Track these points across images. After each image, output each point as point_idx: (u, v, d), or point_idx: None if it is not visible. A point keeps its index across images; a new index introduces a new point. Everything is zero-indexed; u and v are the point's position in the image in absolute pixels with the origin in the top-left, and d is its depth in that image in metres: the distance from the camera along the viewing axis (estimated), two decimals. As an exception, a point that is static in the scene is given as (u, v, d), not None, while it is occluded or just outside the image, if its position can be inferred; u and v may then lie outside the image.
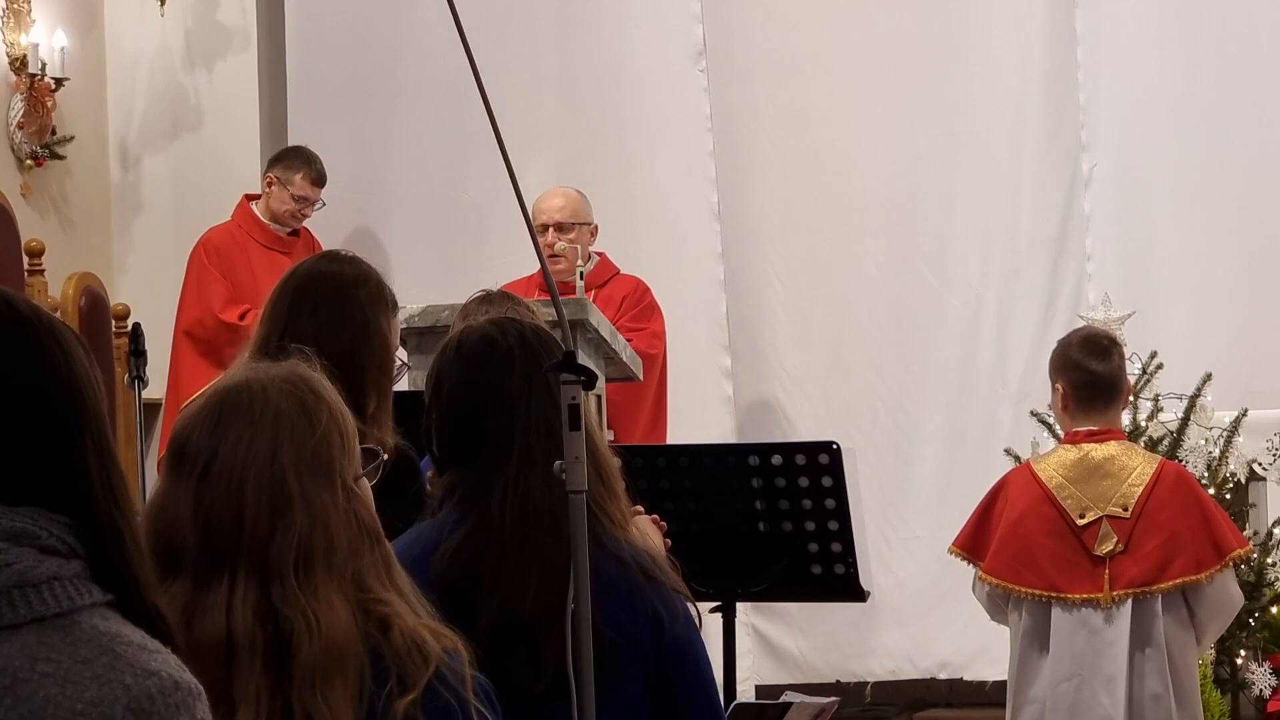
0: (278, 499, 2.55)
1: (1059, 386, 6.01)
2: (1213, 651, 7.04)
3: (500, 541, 3.30)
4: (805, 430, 8.77)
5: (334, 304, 3.97)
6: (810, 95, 9.04)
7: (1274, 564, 7.33)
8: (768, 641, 8.96)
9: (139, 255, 9.56)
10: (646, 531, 4.03)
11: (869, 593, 5.32)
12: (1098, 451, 5.93)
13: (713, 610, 5.24)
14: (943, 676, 8.83)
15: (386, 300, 4.08)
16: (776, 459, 5.21)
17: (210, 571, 2.55)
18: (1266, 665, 7.30)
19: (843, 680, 8.86)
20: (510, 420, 3.35)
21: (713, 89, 9.02)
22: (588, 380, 2.83)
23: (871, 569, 8.77)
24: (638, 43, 9.08)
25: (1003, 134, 8.89)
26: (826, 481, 5.19)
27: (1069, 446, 6.00)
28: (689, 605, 3.43)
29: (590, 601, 3.14)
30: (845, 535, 5.23)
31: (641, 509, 4.52)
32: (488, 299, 4.96)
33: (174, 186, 9.53)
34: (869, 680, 8.89)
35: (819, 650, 8.90)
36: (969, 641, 8.44)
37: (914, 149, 8.94)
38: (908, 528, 8.84)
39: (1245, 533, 6.79)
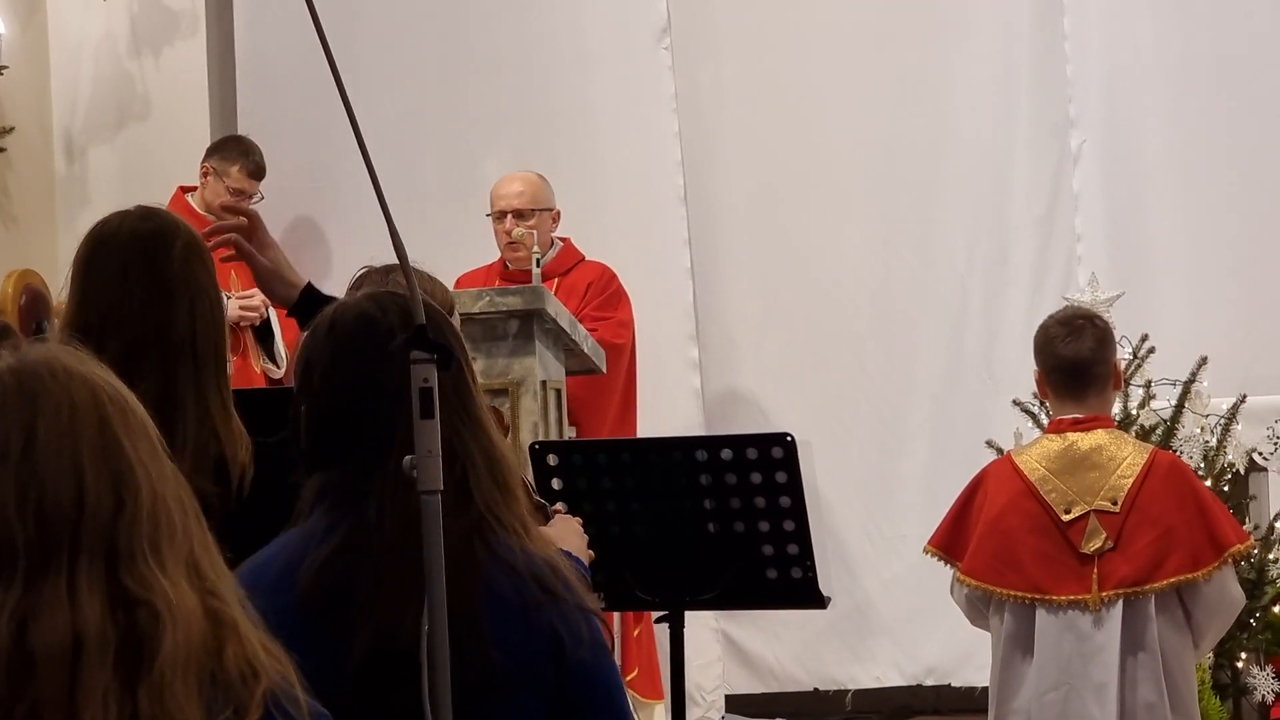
0: (119, 468, 2.20)
1: (1036, 371, 5.77)
2: (1211, 655, 6.79)
3: (376, 556, 2.88)
4: (783, 424, 8.45)
5: (146, 272, 3.49)
6: (782, 73, 8.84)
7: (1276, 560, 7.14)
8: (739, 648, 8.76)
9: (85, 251, 9.24)
10: (565, 535, 3.59)
11: (829, 599, 4.93)
12: (1084, 441, 5.65)
13: (659, 620, 4.85)
14: (929, 683, 8.66)
15: (203, 252, 3.59)
16: (726, 453, 4.83)
17: (44, 565, 2.17)
18: (1269, 669, 7.09)
19: (821, 688, 8.70)
20: (390, 413, 2.89)
21: (678, 68, 8.81)
22: (442, 358, 2.39)
23: (855, 570, 8.68)
24: (599, 20, 8.88)
25: (986, 110, 8.72)
26: (781, 477, 4.83)
27: (1053, 436, 5.73)
28: (598, 624, 3.00)
29: (476, 622, 2.80)
30: (802, 536, 4.87)
31: (562, 507, 4.12)
32: (366, 275, 4.53)
33: (122, 178, 9.30)
34: (850, 688, 8.73)
35: (795, 657, 8.71)
36: (957, 646, 8.23)
37: (893, 128, 8.76)
38: (893, 526, 8.66)
39: (1245, 527, 6.54)
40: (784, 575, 4.89)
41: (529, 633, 2.89)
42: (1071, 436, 5.63)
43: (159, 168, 9.09)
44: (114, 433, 2.20)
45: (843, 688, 8.70)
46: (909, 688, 8.67)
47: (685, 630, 8.17)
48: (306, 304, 3.63)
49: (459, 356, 2.78)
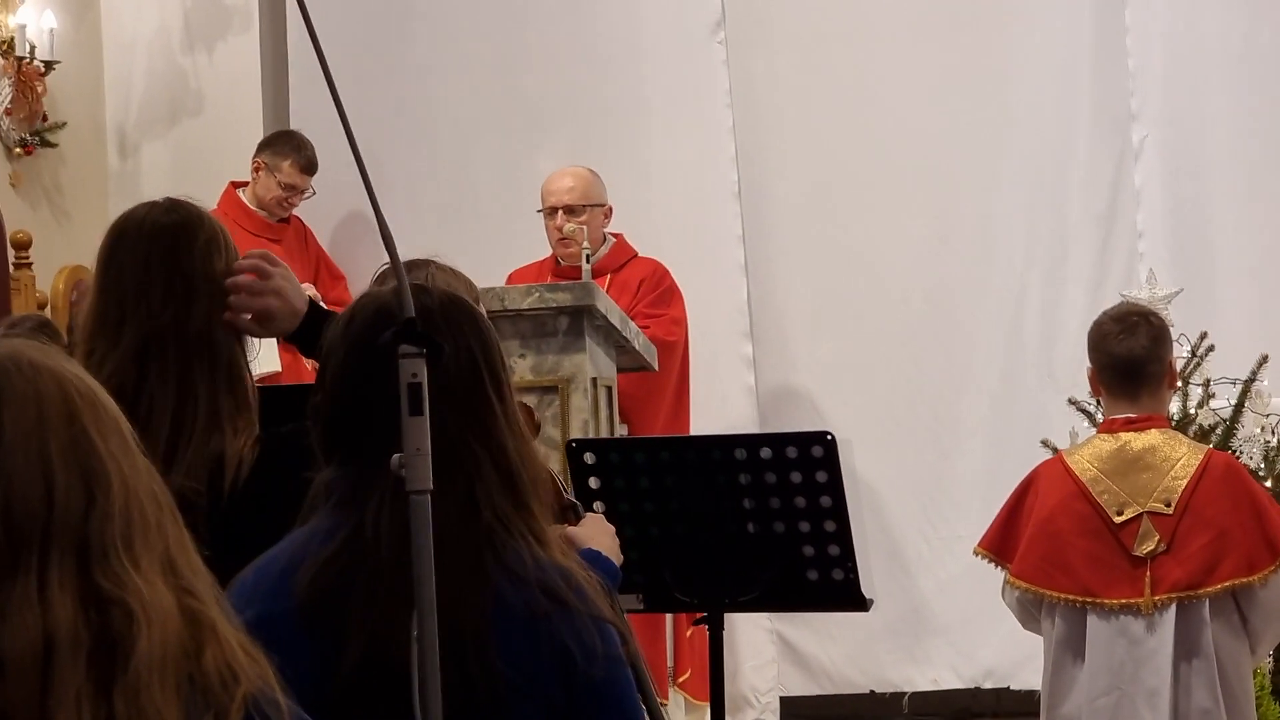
0: (90, 463, 2.12)
1: (1090, 368, 5.66)
2: (1270, 659, 6.72)
3: (373, 564, 2.76)
4: (837, 422, 8.43)
5: (167, 265, 3.42)
6: (838, 66, 8.75)
7: (1336, 563, 6.87)
8: (794, 649, 8.68)
9: (138, 247, 9.22)
10: (595, 535, 3.48)
11: (871, 601, 4.80)
12: (1137, 441, 5.54)
13: (697, 623, 4.74)
14: (988, 686, 8.56)
15: (227, 247, 3.51)
16: (765, 452, 4.70)
17: (13, 564, 2.09)
18: (1330, 674, 6.98)
19: (877, 690, 8.61)
20: (398, 413, 2.80)
21: (732, 61, 8.71)
22: (432, 352, 2.29)
23: (910, 571, 8.61)
24: (653, 13, 8.80)
25: (1047, 104, 8.61)
26: (821, 477, 4.69)
27: (1105, 436, 5.61)
28: (613, 635, 2.85)
29: (483, 634, 2.68)
30: (844, 537, 4.73)
31: (600, 508, 4.02)
32: (388, 272, 4.42)
33: (174, 174, 9.21)
34: (907, 690, 8.63)
35: (851, 658, 8.62)
36: (1016, 647, 8.04)
37: (951, 122, 8.66)
38: (949, 527, 8.55)
39: (1305, 529, 6.31)
40: (825, 577, 4.76)
41: (536, 644, 2.77)
42: (1124, 436, 5.53)
43: (211, 163, 9.05)
44: (83, 427, 2.12)
45: (899, 690, 8.61)
46: (967, 690, 8.57)
47: (739, 632, 8.36)
48: (308, 328, 3.51)
49: (454, 352, 2.68)
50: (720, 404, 8.42)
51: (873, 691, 8.57)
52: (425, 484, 2.35)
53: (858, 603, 4.78)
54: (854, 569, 4.75)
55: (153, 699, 2.06)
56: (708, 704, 7.79)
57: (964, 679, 8.55)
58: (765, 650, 8.51)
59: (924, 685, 8.57)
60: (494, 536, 2.79)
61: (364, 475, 2.81)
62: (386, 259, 7.15)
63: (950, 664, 8.55)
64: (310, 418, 2.96)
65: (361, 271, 7.72)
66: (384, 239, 2.26)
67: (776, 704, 8.48)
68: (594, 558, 3.22)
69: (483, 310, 3.08)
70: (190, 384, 3.36)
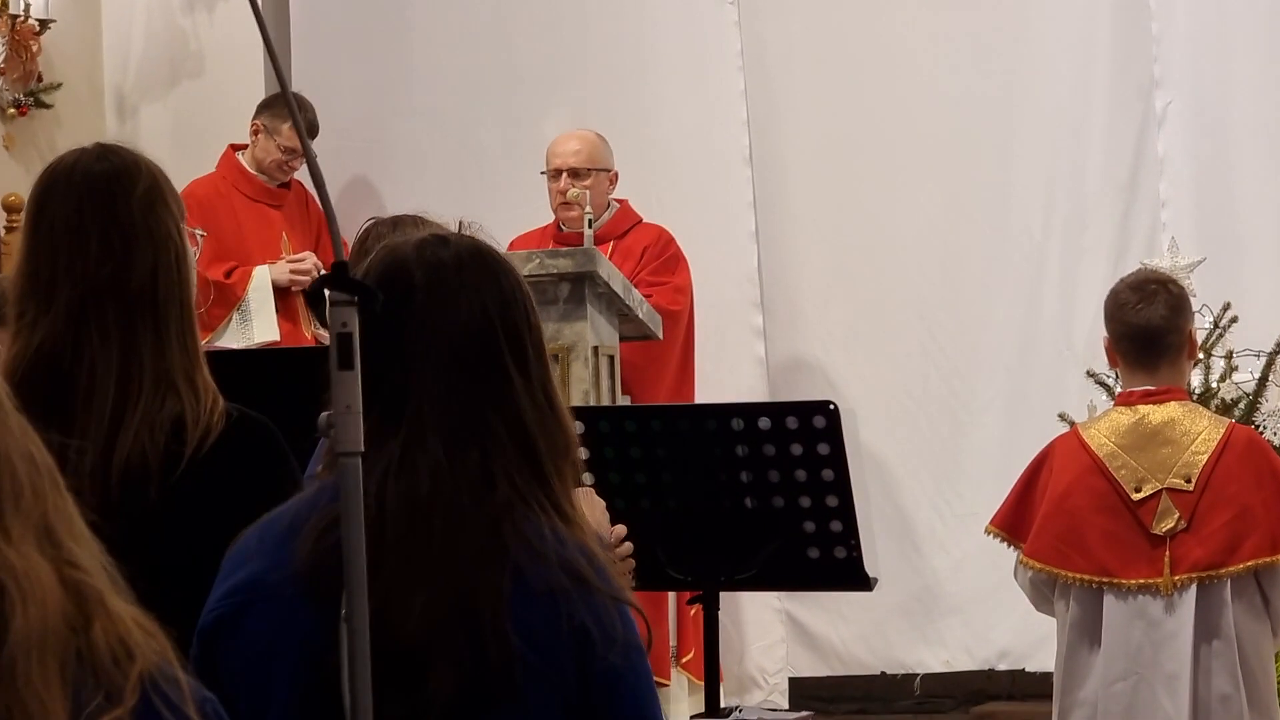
0: None
1: (1106, 339, 5.50)
2: None
3: (377, 540, 2.55)
4: (849, 395, 8.34)
5: (103, 217, 3.20)
6: (852, 29, 8.57)
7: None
8: (803, 629, 8.51)
9: (135, 211, 9.15)
10: (583, 508, 3.28)
11: (875, 580, 4.64)
12: (1155, 414, 5.39)
13: (692, 601, 4.56)
14: (1002, 667, 8.41)
15: (169, 195, 3.30)
16: (764, 422, 4.55)
17: None
18: (1356, 658, 6.75)
19: (889, 672, 8.47)
20: (403, 379, 2.61)
21: (744, 23, 8.57)
22: (364, 300, 2.08)
23: (923, 549, 8.47)
24: None
25: (1067, 69, 8.42)
26: (823, 449, 4.55)
27: (1123, 409, 5.46)
28: (632, 619, 2.67)
29: (499, 611, 2.53)
30: (846, 513, 4.59)
31: (589, 479, 3.85)
32: (371, 228, 4.27)
33: (173, 137, 9.11)
34: (919, 672, 8.49)
35: (862, 638, 8.47)
36: (1032, 628, 7.86)
37: (968, 87, 8.48)
38: (964, 503, 8.36)
39: (1330, 507, 6.21)
40: (827, 555, 4.64)
41: (553, 620, 2.59)
42: (1142, 409, 5.38)
43: (212, 126, 8.93)
44: None
45: (911, 672, 8.49)
46: (982, 672, 8.44)
47: (746, 611, 8.22)
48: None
49: (468, 311, 2.56)
50: (729, 375, 8.30)
51: (884, 673, 8.44)
52: (356, 445, 2.16)
53: (861, 582, 4.66)
54: (857, 546, 4.62)
55: (31, 684, 1.85)
56: (712, 684, 7.69)
57: (978, 660, 8.41)
58: (773, 630, 8.39)
59: (936, 667, 8.44)
60: (513, 510, 2.62)
61: (370, 438, 2.60)
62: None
63: (964, 645, 8.41)
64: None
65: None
66: (315, 181, 2.04)
67: (785, 685, 8.36)
68: None
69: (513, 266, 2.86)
70: (134, 344, 3.15)
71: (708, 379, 8.06)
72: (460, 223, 3.95)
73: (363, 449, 2.18)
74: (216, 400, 3.17)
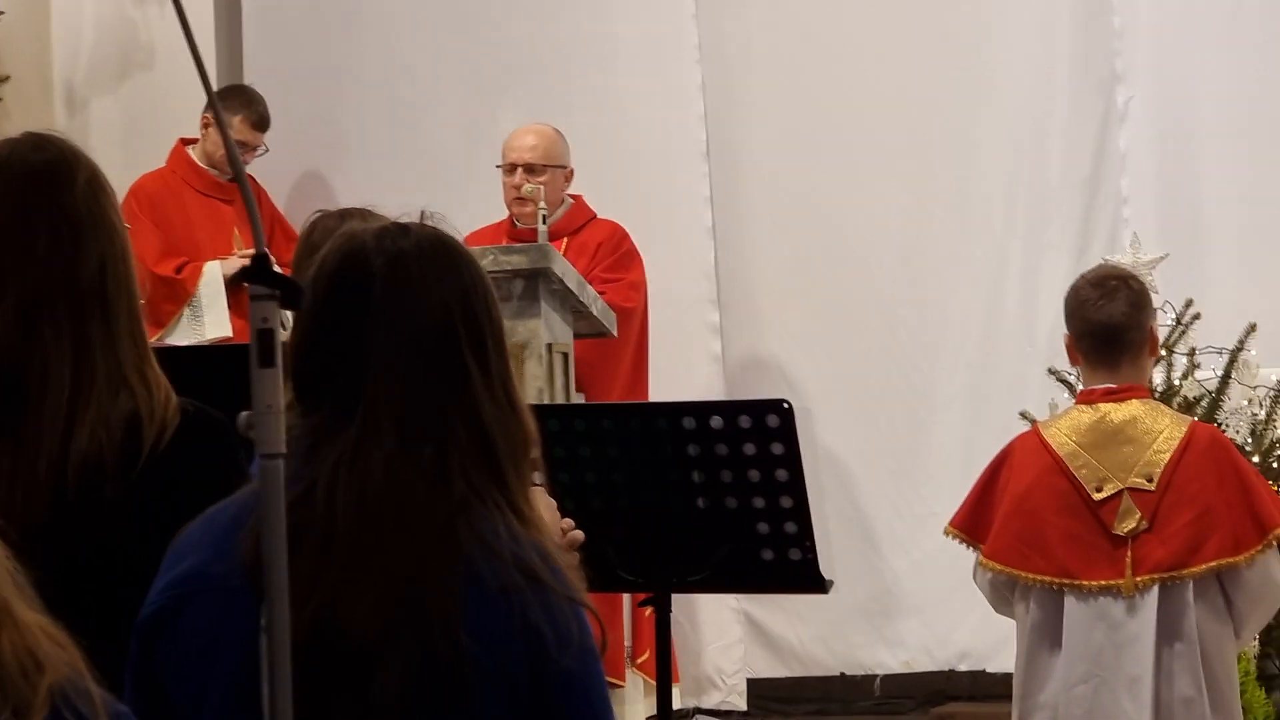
0: None
1: (1067, 336, 5.48)
2: (1255, 644, 6.64)
3: (325, 528, 2.52)
4: (808, 393, 8.38)
5: (48, 211, 3.10)
6: (811, 23, 8.60)
7: (1327, 543, 6.77)
8: (761, 630, 8.53)
9: (85, 206, 9.10)
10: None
11: (831, 582, 4.58)
12: (1117, 413, 5.38)
13: (643, 604, 4.48)
14: (963, 668, 8.44)
15: (106, 185, 3.20)
16: (717, 421, 4.47)
17: None
18: (1318, 659, 6.94)
19: (848, 673, 8.50)
20: (358, 371, 2.57)
21: (702, 17, 8.61)
22: (286, 295, 1.99)
23: (882, 549, 8.49)
24: None
25: (1028, 65, 8.49)
26: (777, 449, 4.48)
27: (1084, 407, 5.46)
28: (587, 621, 2.63)
29: (451, 610, 2.48)
30: (801, 514, 4.52)
31: (539, 478, 3.79)
32: (318, 221, 4.21)
33: (124, 130, 9.07)
34: (879, 673, 8.52)
35: (821, 639, 8.50)
36: (992, 629, 7.82)
37: (929, 82, 8.54)
38: (924, 503, 8.37)
39: (1293, 507, 6.22)
40: (781, 556, 4.56)
41: (506, 620, 2.54)
42: (1104, 408, 5.37)
43: (163, 119, 8.85)
44: None
45: (870, 673, 8.52)
46: (942, 673, 8.47)
47: (703, 612, 8.17)
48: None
49: (426, 304, 2.53)
50: (685, 373, 8.30)
51: (843, 674, 8.47)
52: (277, 446, 2.07)
53: (816, 584, 4.59)
54: (812, 548, 4.56)
55: None
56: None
57: (938, 661, 8.44)
58: (731, 630, 8.38)
59: (896, 668, 8.47)
60: (469, 507, 2.57)
61: (325, 427, 2.57)
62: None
63: (924, 646, 8.44)
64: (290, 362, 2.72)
65: (311, 229, 7.71)
66: (232, 168, 1.94)
67: (743, 686, 8.35)
68: None
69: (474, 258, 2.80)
70: (86, 339, 3.06)
71: (663, 375, 8.04)
72: (423, 213, 3.89)
73: (284, 450, 2.10)
74: (169, 395, 3.10)
